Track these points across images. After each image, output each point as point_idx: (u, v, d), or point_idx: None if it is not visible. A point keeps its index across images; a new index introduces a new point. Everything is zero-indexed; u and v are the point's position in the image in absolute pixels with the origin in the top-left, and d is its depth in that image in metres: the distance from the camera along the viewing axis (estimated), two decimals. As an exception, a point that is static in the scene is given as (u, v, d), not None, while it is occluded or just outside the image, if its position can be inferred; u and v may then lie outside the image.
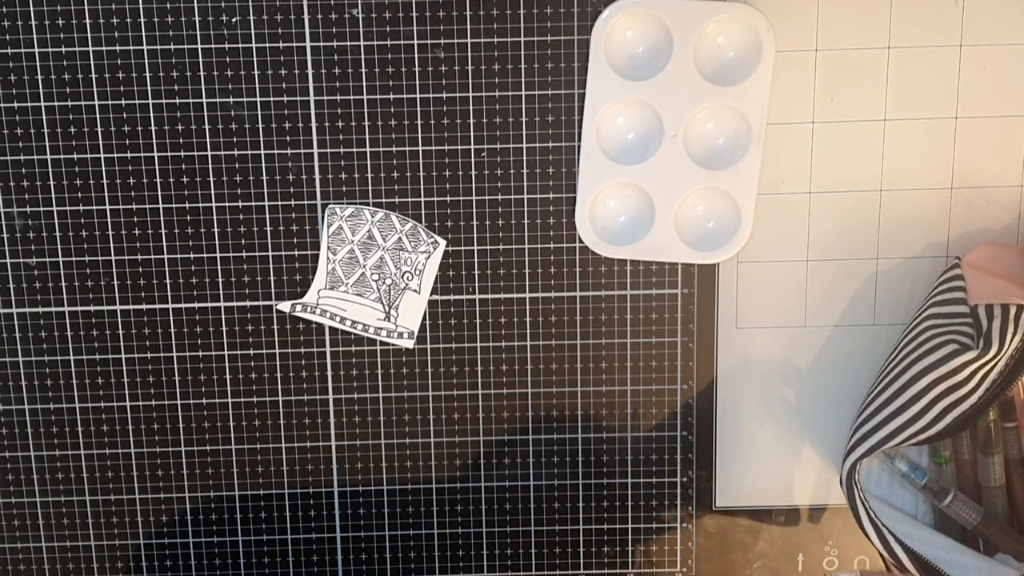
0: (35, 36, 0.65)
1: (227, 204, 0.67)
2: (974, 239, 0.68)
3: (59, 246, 0.68)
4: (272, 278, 0.68)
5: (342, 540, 0.72)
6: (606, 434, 0.70)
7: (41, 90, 0.66)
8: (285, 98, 0.66)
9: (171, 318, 0.69)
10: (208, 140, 0.67)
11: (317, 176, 0.67)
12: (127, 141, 0.66)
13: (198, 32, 0.65)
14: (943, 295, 0.64)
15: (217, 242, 0.68)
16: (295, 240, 0.68)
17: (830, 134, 0.67)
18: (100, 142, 0.66)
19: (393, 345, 0.69)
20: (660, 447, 0.71)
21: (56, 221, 0.67)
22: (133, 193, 0.67)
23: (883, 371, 0.66)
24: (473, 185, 0.67)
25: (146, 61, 0.66)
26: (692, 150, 0.67)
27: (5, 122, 0.66)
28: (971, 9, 0.66)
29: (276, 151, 0.67)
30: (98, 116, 0.66)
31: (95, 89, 0.66)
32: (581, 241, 0.68)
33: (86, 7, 0.65)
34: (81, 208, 0.67)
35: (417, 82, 0.66)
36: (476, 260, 0.68)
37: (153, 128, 0.66)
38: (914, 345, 0.64)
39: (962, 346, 0.60)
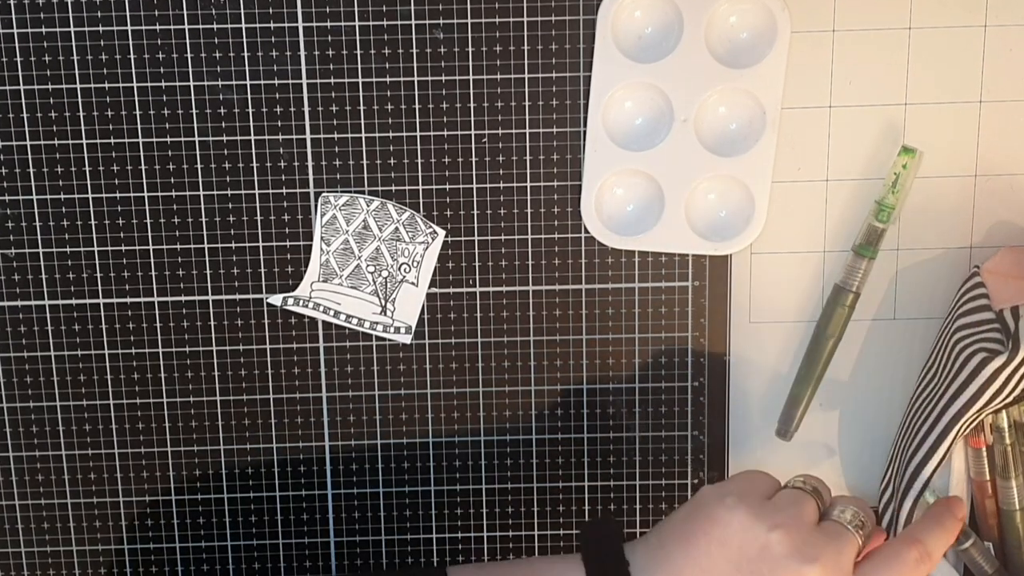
0: (13, 16, 0.64)
1: (215, 192, 0.66)
2: (999, 229, 0.67)
3: (39, 236, 0.67)
4: (263, 270, 0.67)
5: (336, 545, 0.71)
6: (613, 434, 0.70)
7: (20, 73, 0.65)
8: (276, 81, 0.65)
9: (156, 312, 0.68)
10: (195, 125, 0.65)
11: (310, 163, 0.66)
12: (110, 126, 0.65)
13: (184, 12, 0.64)
14: (968, 304, 0.64)
15: (205, 232, 0.67)
16: (287, 230, 0.67)
17: (848, 119, 0.66)
18: (82, 127, 0.65)
19: (390, 340, 0.68)
20: (670, 447, 0.70)
21: (36, 210, 0.66)
22: (117, 181, 0.66)
23: (918, 393, 0.65)
24: (474, 173, 0.66)
25: (130, 42, 0.64)
26: (703, 136, 0.66)
27: (-18, 106, 0.65)
28: (996, -12, 0.65)
29: (267, 137, 0.66)
30: (80, 101, 0.65)
31: (77, 72, 0.65)
32: (587, 231, 0.67)
33: (67, -15, 0.64)
34: (62, 196, 0.66)
35: (415, 64, 0.65)
36: (477, 251, 0.67)
37: (138, 113, 0.65)
38: (947, 362, 0.63)
39: (991, 353, 0.59)
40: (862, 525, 0.57)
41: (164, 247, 0.67)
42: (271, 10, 0.64)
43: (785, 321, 0.68)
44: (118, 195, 0.66)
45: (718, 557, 0.55)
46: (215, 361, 0.68)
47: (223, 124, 0.65)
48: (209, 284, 0.67)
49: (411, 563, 0.71)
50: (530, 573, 0.59)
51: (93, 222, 0.66)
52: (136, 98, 0.65)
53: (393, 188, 0.66)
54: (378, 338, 0.68)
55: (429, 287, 0.68)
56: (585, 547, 0.59)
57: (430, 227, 0.67)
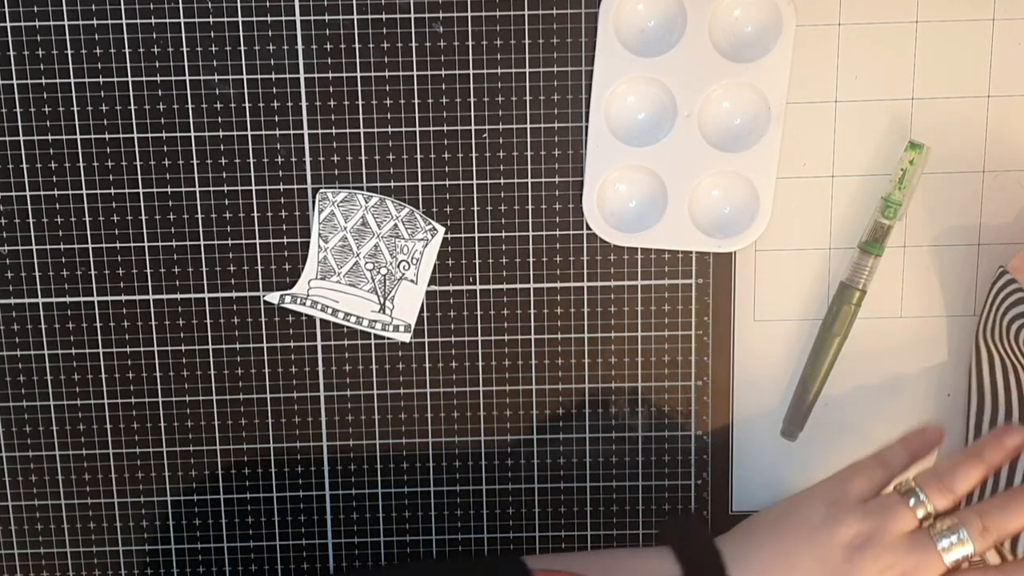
0: (6, 10, 0.63)
1: (212, 189, 0.66)
2: (1008, 225, 0.66)
3: (32, 233, 0.66)
4: (260, 267, 0.67)
5: (334, 546, 0.70)
6: (615, 434, 0.69)
7: (13, 67, 0.64)
8: (273, 76, 0.64)
9: (152, 310, 0.67)
10: (191, 120, 0.65)
11: (308, 159, 0.66)
12: (105, 122, 0.65)
13: (180, 5, 0.64)
14: (1009, 298, 0.63)
15: (201, 229, 0.66)
16: (284, 227, 0.66)
17: (854, 114, 0.66)
18: (76, 122, 0.65)
19: (388, 339, 0.68)
20: (673, 448, 0.69)
21: (29, 206, 0.66)
22: (112, 177, 0.65)
23: (1002, 395, 0.65)
24: (474, 168, 0.66)
25: (125, 36, 0.64)
26: (707, 131, 0.65)
27: (-25, 101, 0.65)
28: (1004, -19, 0.64)
29: (264, 132, 0.65)
30: (74, 95, 0.64)
31: (71, 66, 0.64)
32: (589, 228, 0.67)
33: (61, -22, 0.63)
34: (56, 192, 0.65)
35: (414, 58, 0.64)
36: (477, 248, 0.67)
37: (133, 108, 0.65)
38: (1017, 355, 0.62)
39: None
40: (958, 541, 0.58)
41: (159, 244, 0.66)
42: (268, 3, 0.64)
43: (790, 319, 0.68)
44: (112, 191, 0.65)
45: (805, 556, 0.58)
46: (211, 360, 0.68)
47: (219, 119, 0.65)
48: (205, 281, 0.67)
49: (484, 552, 0.70)
50: (616, 564, 0.60)
51: (87, 218, 0.66)
52: (131, 92, 0.64)
53: (392, 184, 0.66)
54: (377, 336, 0.68)
55: (428, 285, 0.67)
56: (674, 538, 0.61)
57: (429, 224, 0.66)
